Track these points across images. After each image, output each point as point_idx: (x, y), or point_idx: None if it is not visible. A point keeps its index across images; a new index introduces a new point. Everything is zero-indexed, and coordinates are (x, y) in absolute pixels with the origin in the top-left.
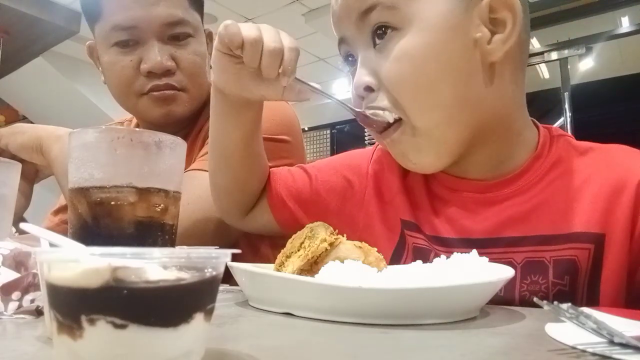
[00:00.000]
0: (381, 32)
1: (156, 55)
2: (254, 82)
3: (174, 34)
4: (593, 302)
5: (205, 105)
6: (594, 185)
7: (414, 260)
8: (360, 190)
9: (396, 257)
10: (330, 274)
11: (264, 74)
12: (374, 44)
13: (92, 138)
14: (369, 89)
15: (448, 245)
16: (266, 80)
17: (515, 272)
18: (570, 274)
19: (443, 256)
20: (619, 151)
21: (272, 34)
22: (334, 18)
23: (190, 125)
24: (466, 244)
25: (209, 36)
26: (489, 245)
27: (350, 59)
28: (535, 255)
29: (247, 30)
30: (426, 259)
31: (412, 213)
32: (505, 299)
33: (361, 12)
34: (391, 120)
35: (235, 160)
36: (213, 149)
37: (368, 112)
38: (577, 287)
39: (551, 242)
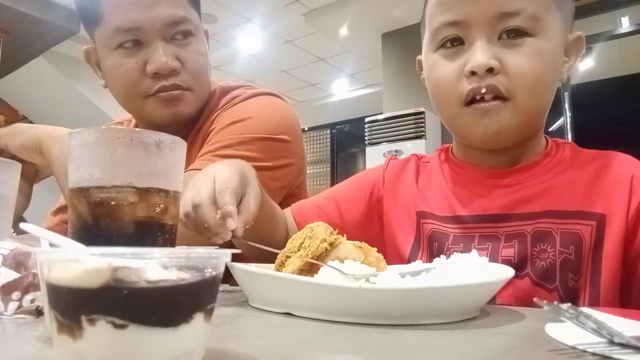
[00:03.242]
0: (510, 30)
1: (161, 55)
2: None
3: (177, 33)
4: (596, 275)
5: (204, 105)
6: (595, 177)
7: (430, 245)
8: (379, 197)
9: (415, 246)
10: (330, 274)
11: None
12: (499, 37)
13: (92, 138)
14: (490, 70)
15: (463, 222)
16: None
17: (527, 241)
18: (575, 245)
19: (443, 256)
20: (616, 155)
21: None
22: (455, 1)
23: (189, 125)
24: (481, 219)
25: (206, 35)
26: (502, 220)
27: (449, 43)
28: (544, 226)
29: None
30: (442, 241)
31: (426, 204)
32: (517, 264)
33: (504, 12)
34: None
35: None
36: None
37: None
38: (582, 257)
39: (558, 216)
